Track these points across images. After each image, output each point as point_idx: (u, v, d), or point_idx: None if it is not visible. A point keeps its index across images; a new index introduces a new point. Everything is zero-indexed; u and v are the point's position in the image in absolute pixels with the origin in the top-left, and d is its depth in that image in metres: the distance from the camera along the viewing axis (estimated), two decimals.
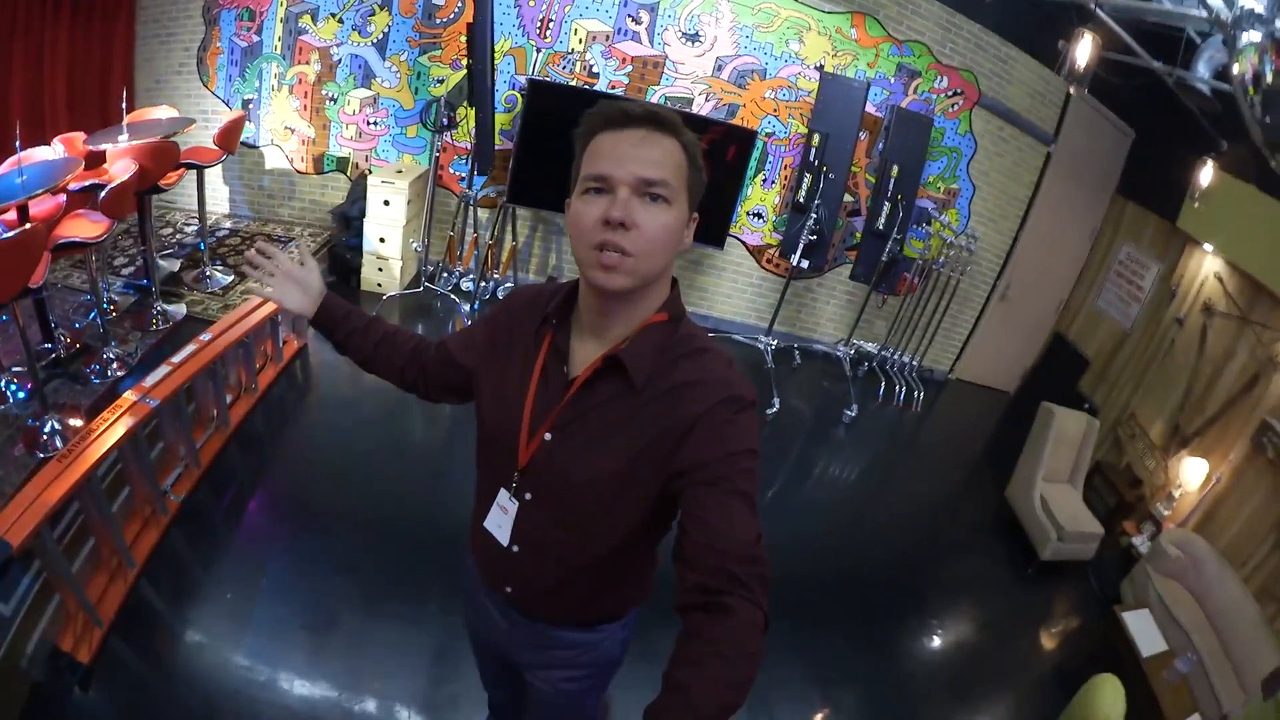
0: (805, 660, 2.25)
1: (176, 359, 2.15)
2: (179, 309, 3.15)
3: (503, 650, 1.10)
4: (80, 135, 2.90)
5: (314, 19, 3.57)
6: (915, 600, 2.66)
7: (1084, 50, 2.67)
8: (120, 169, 2.65)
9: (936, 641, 2.53)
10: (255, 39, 3.64)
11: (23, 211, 2.31)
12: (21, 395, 2.47)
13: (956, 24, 3.62)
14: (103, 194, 2.49)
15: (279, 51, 3.60)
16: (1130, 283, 3.85)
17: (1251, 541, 2.73)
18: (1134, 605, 2.55)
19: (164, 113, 3.25)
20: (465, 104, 3.41)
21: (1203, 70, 2.55)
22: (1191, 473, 2.99)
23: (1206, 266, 3.33)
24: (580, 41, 3.43)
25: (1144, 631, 2.37)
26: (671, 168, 0.78)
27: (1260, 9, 1.48)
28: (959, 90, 3.72)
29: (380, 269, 3.54)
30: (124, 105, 2.96)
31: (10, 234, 2.06)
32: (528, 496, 0.93)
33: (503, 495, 0.96)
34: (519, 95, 3.42)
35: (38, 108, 3.29)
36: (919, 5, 3.46)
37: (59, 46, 3.38)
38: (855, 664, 2.33)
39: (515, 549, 0.97)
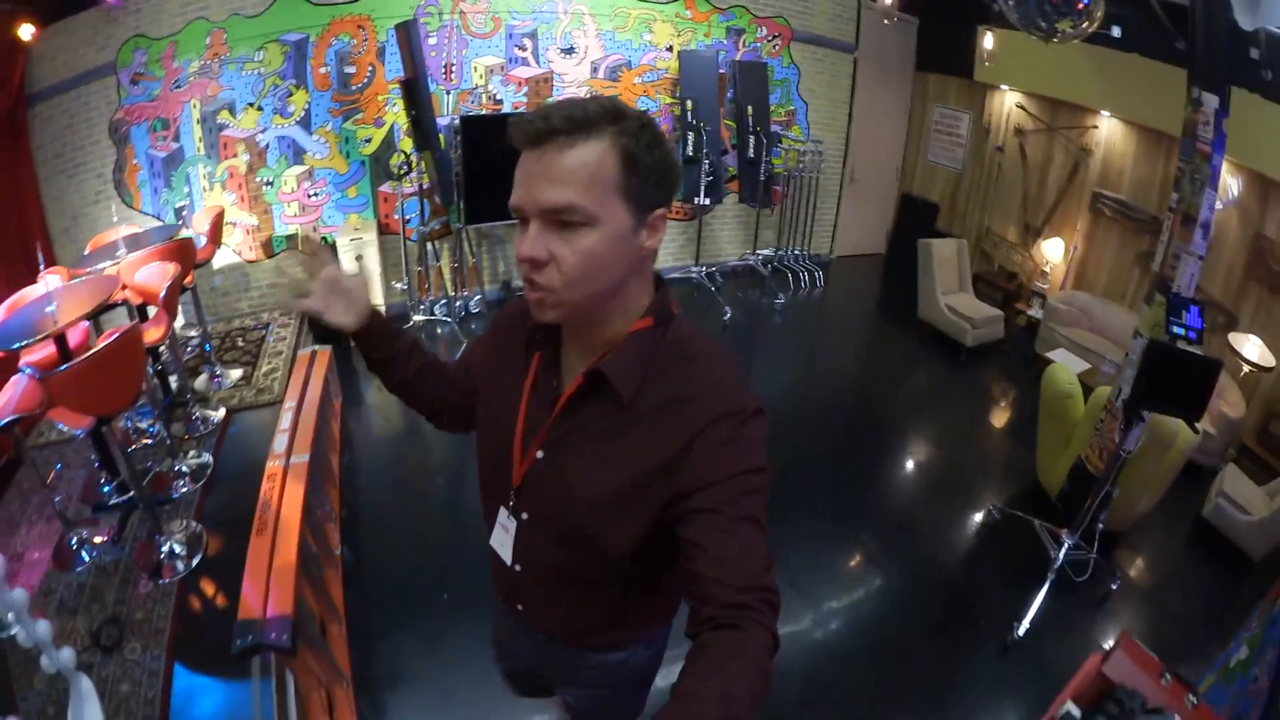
0: (807, 497, 3.23)
1: (284, 425, 2.47)
2: (215, 411, 3.79)
3: (529, 666, 1.21)
4: (59, 269, 3.47)
5: (232, 112, 4.46)
6: (884, 410, 4.27)
7: None
8: (155, 273, 3.22)
9: (915, 434, 4.03)
10: (174, 145, 4.49)
11: (61, 343, 2.72)
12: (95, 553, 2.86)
13: None
14: (164, 292, 3.08)
15: (202, 152, 4.38)
16: (949, 134, 5.82)
17: (1121, 279, 4.55)
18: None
19: (123, 230, 3.86)
20: (409, 151, 4.55)
21: None
22: (1052, 251, 4.87)
23: (1008, 102, 5.24)
24: (481, 77, 4.56)
25: (1068, 361, 3.31)
26: (582, 182, 0.76)
27: None
28: (776, 34, 5.49)
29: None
30: (42, 252, 3.72)
31: (112, 338, 2.48)
32: (524, 516, 0.99)
33: (502, 514, 1.02)
34: (453, 133, 4.57)
35: None
36: None
37: None
38: (852, 479, 3.54)
39: (518, 568, 1.03)
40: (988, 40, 5.02)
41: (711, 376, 0.89)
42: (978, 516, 3.15)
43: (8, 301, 3.05)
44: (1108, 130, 4.54)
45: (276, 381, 4.03)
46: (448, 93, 4.68)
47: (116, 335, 2.51)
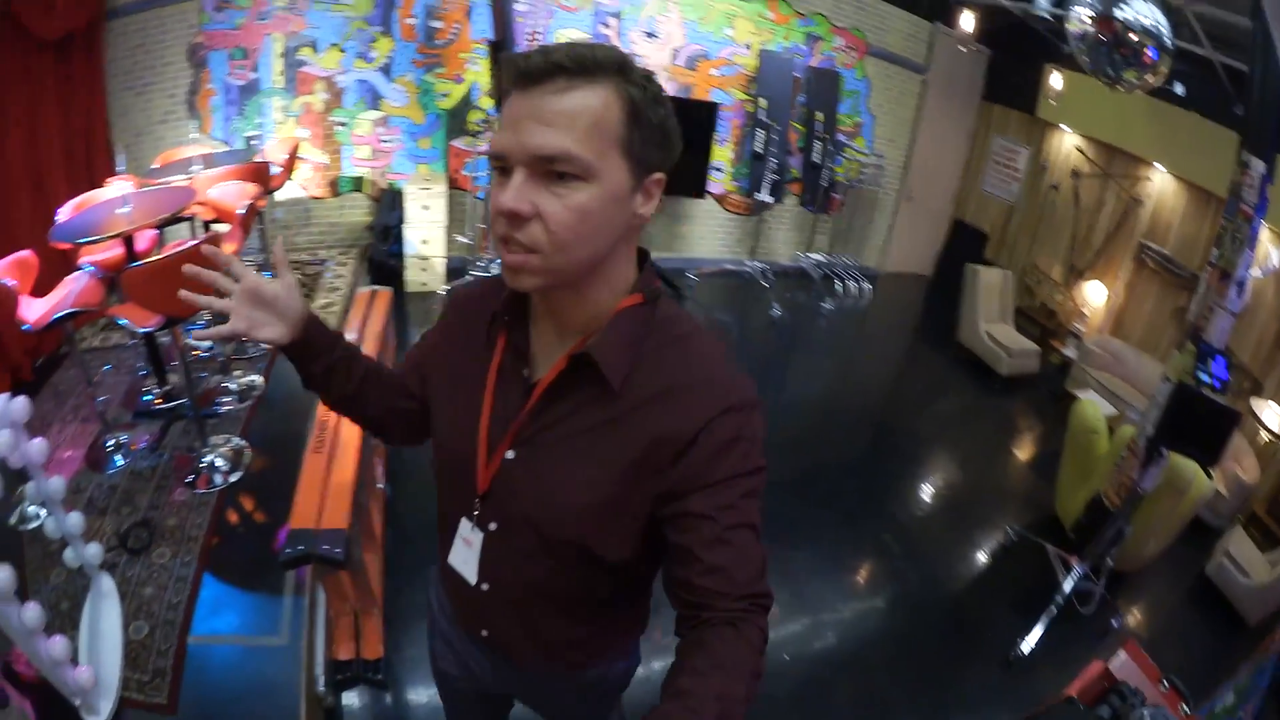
0: (827, 502, 3.43)
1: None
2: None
3: (487, 688, 1.14)
4: (129, 177, 3.64)
5: (315, 50, 4.67)
6: (912, 426, 4.51)
7: (967, 21, 5.07)
8: (233, 192, 3.36)
9: (940, 452, 4.31)
10: (252, 75, 4.67)
11: (129, 244, 2.87)
12: (129, 458, 3.02)
13: None
14: (243, 209, 3.25)
15: (280, 86, 4.53)
16: (1006, 166, 6.12)
17: (1156, 331, 4.81)
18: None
19: (192, 150, 4.10)
20: (488, 110, 4.90)
21: (1044, 2, 4.51)
22: (1093, 294, 5.18)
23: (1067, 143, 5.52)
24: None
25: (1096, 404, 3.58)
26: (582, 129, 0.70)
27: None
28: (851, 46, 5.78)
29: (424, 269, 4.88)
30: (119, 159, 4.02)
31: (198, 241, 2.61)
32: (492, 527, 0.91)
33: (465, 526, 0.94)
34: None
35: (36, 175, 4.10)
36: None
37: (48, 111, 4.19)
38: (873, 488, 3.78)
39: (485, 587, 0.95)
40: (1055, 79, 5.26)
41: (709, 363, 0.84)
42: (992, 537, 3.41)
43: (75, 201, 3.20)
44: (1160, 183, 4.83)
45: (333, 315, 4.25)
46: None
47: (203, 239, 2.66)
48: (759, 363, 4.84)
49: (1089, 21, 3.16)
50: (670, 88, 5.36)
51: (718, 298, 5.67)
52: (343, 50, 4.75)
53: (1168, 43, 3.01)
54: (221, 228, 3.25)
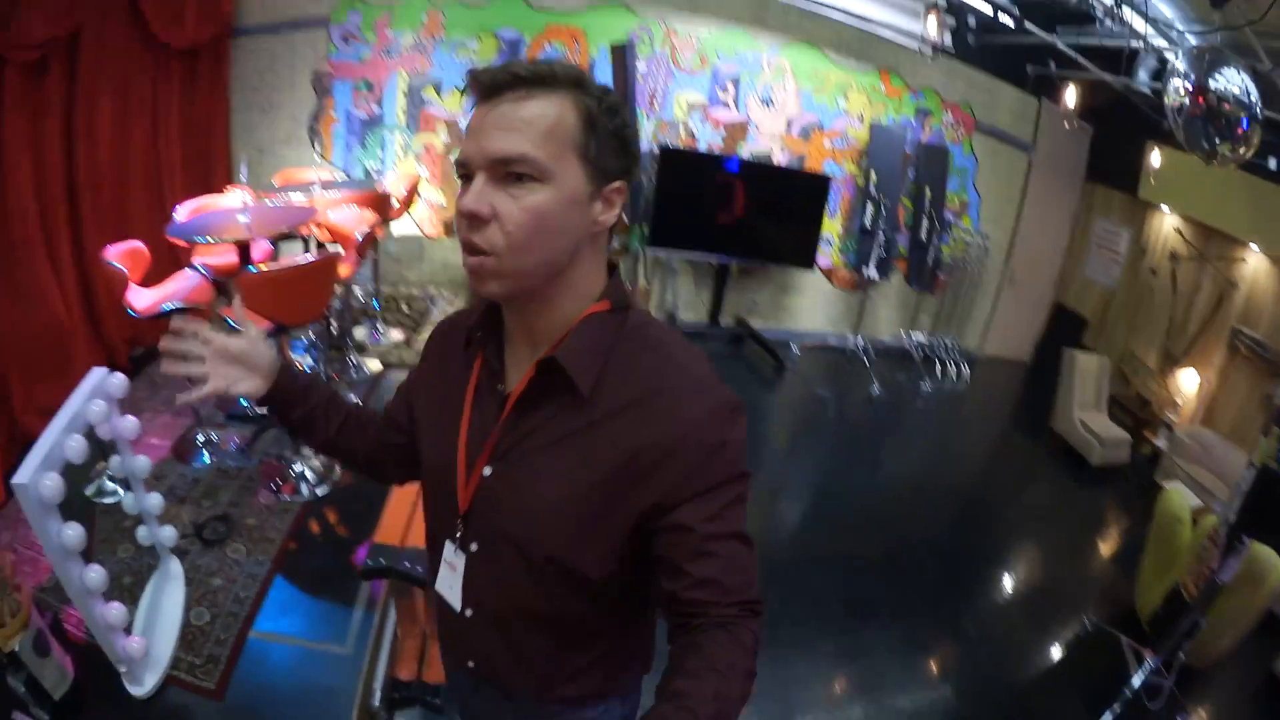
0: (906, 580, 3.48)
1: None
2: (372, 363, 4.23)
3: None
4: (246, 189, 3.87)
5: (438, 91, 5.07)
6: (996, 510, 4.57)
7: (1070, 96, 5.07)
8: (353, 217, 3.55)
9: (1022, 538, 4.36)
10: (375, 109, 5.08)
11: (244, 251, 3.05)
12: (215, 458, 3.22)
13: (953, 69, 5.78)
14: (361, 235, 3.44)
15: (403, 122, 4.67)
16: (1108, 250, 6.18)
17: (1246, 421, 4.76)
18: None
19: (313, 173, 4.42)
20: None
21: (1143, 75, 4.67)
22: (1187, 382, 5.18)
23: (1166, 224, 5.58)
24: (682, 111, 4.82)
25: (1183, 494, 3.61)
26: (538, 133, 0.75)
27: (1182, 66, 3.05)
28: (960, 122, 5.96)
29: None
30: (241, 169, 4.22)
31: (316, 258, 2.87)
32: (474, 548, 0.92)
33: (448, 549, 0.96)
34: (650, 160, 5.18)
35: (155, 174, 4.45)
36: (925, 58, 5.50)
37: (172, 114, 4.56)
38: (952, 568, 3.84)
39: (469, 613, 0.96)
40: (1155, 157, 5.22)
41: (686, 369, 0.85)
42: (1068, 627, 3.45)
43: (192, 203, 3.49)
44: (1254, 265, 4.84)
45: None
46: (648, 119, 4.94)
47: (320, 257, 2.89)
48: (854, 440, 4.91)
49: (1184, 94, 3.16)
50: (783, 157, 5.44)
51: (818, 371, 5.82)
52: (465, 94, 4.87)
53: (1258, 111, 3.07)
54: (336, 249, 3.39)
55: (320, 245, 3.65)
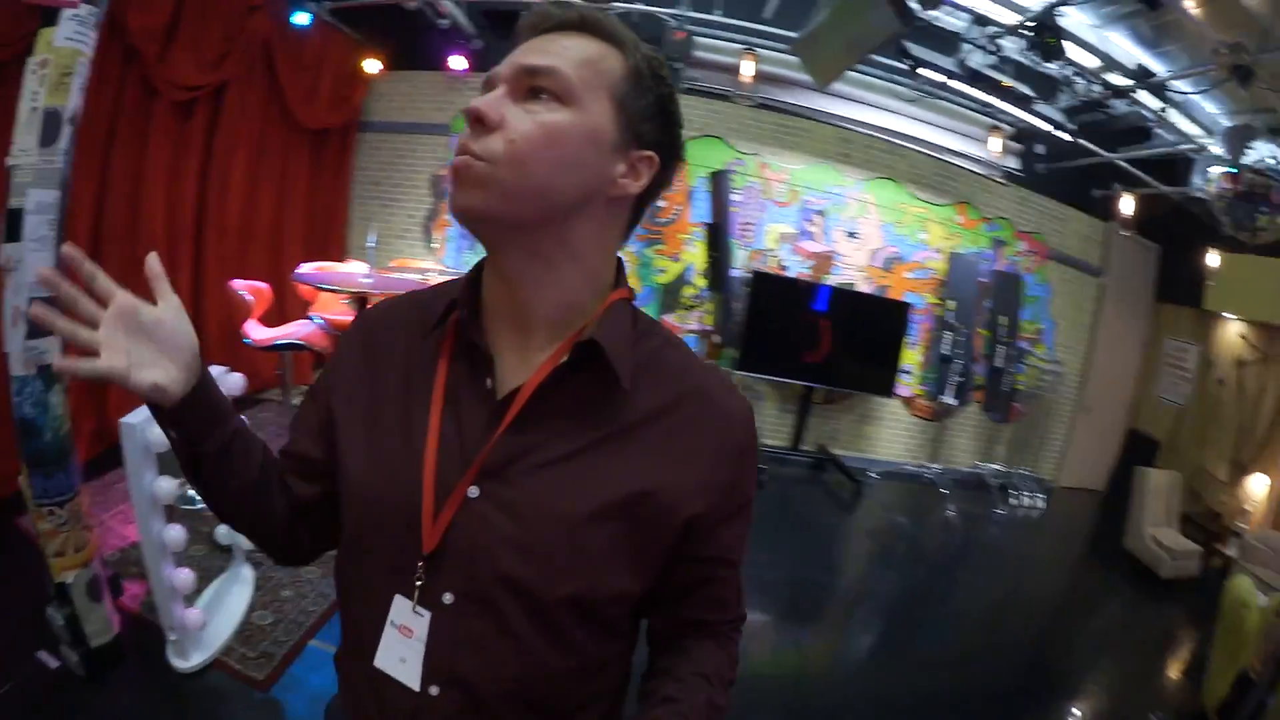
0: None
1: None
2: None
3: None
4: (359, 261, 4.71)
5: None
6: (1073, 631, 4.90)
7: (1127, 205, 5.92)
8: None
9: (1095, 657, 4.62)
10: None
11: (363, 306, 3.54)
12: None
13: (1024, 197, 6.68)
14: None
15: None
16: (1178, 368, 6.91)
17: None
18: None
19: (427, 264, 5.31)
20: (701, 289, 5.87)
21: (1199, 182, 5.10)
22: (1256, 487, 5.78)
23: (1232, 330, 6.27)
24: (773, 240, 5.37)
25: (1250, 582, 3.73)
26: (574, 59, 0.75)
27: (1218, 151, 3.43)
28: (1033, 250, 6.86)
29: None
30: (370, 236, 4.78)
31: None
32: (448, 599, 0.77)
33: (400, 608, 0.79)
34: (743, 285, 5.93)
35: (277, 233, 5.22)
36: (999, 189, 6.52)
37: (299, 183, 5.33)
38: (1030, 693, 3.87)
39: (434, 691, 0.79)
40: (1215, 261, 5.82)
41: (712, 368, 0.86)
42: None
43: (315, 264, 4.14)
44: None
45: None
46: (742, 248, 5.52)
47: None
48: (929, 569, 5.30)
49: (1223, 179, 3.47)
50: (867, 288, 5.99)
51: (894, 499, 6.44)
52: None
53: None
54: None
55: None
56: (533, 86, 0.73)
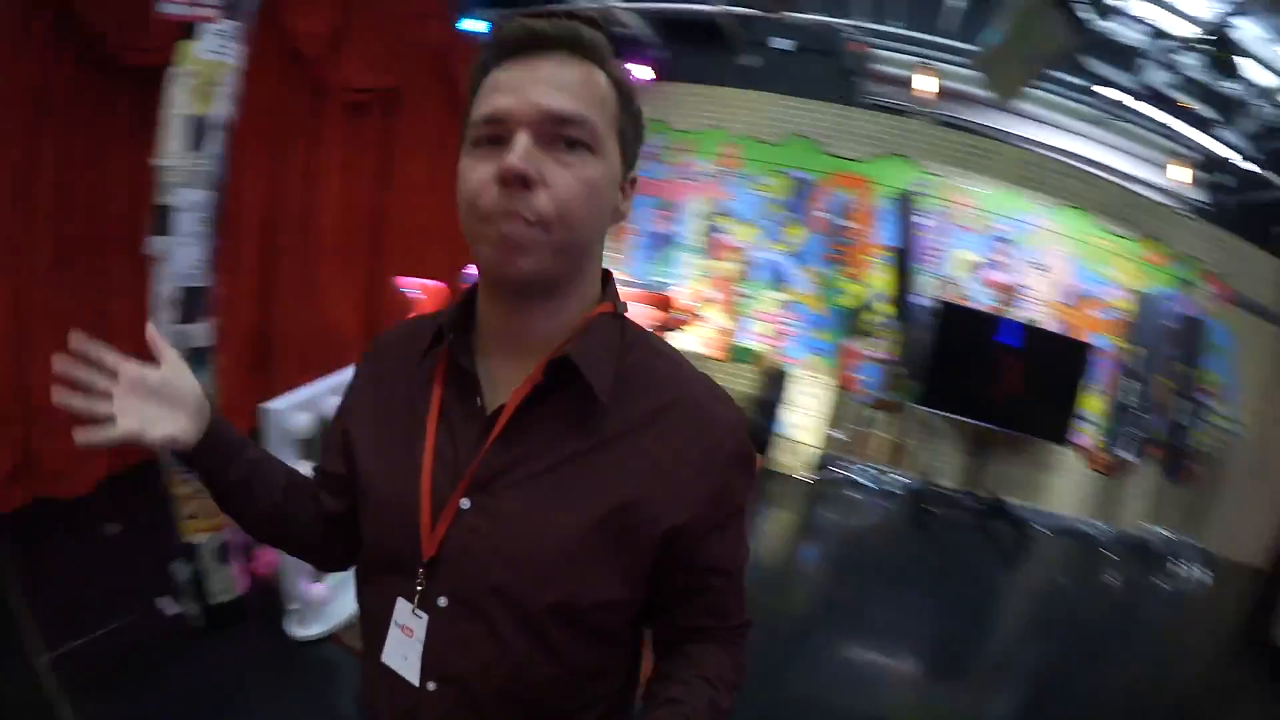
0: None
1: None
2: None
3: None
4: None
5: (732, 220, 5.83)
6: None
7: None
8: (642, 315, 4.24)
9: None
10: (670, 228, 5.88)
11: None
12: None
13: (1213, 235, 6.27)
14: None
15: (695, 245, 5.21)
16: None
17: None
18: None
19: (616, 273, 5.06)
20: (885, 317, 5.70)
21: None
22: None
23: None
24: (959, 268, 5.23)
25: None
26: (592, 99, 0.76)
27: None
28: (1220, 294, 6.53)
29: (792, 453, 5.29)
30: None
31: None
32: (442, 603, 0.85)
33: (402, 610, 0.87)
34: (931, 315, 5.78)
35: (456, 235, 5.00)
36: (1187, 224, 6.19)
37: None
38: None
39: (431, 687, 0.86)
40: None
41: (701, 377, 0.87)
42: None
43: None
44: None
45: None
46: (927, 274, 5.39)
47: None
48: (1076, 636, 5.18)
49: None
50: (1051, 325, 5.77)
51: (1057, 556, 6.20)
52: (757, 228, 5.49)
53: None
54: None
55: None
56: (562, 135, 0.73)
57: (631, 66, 5.58)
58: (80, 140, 3.68)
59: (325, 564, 1.07)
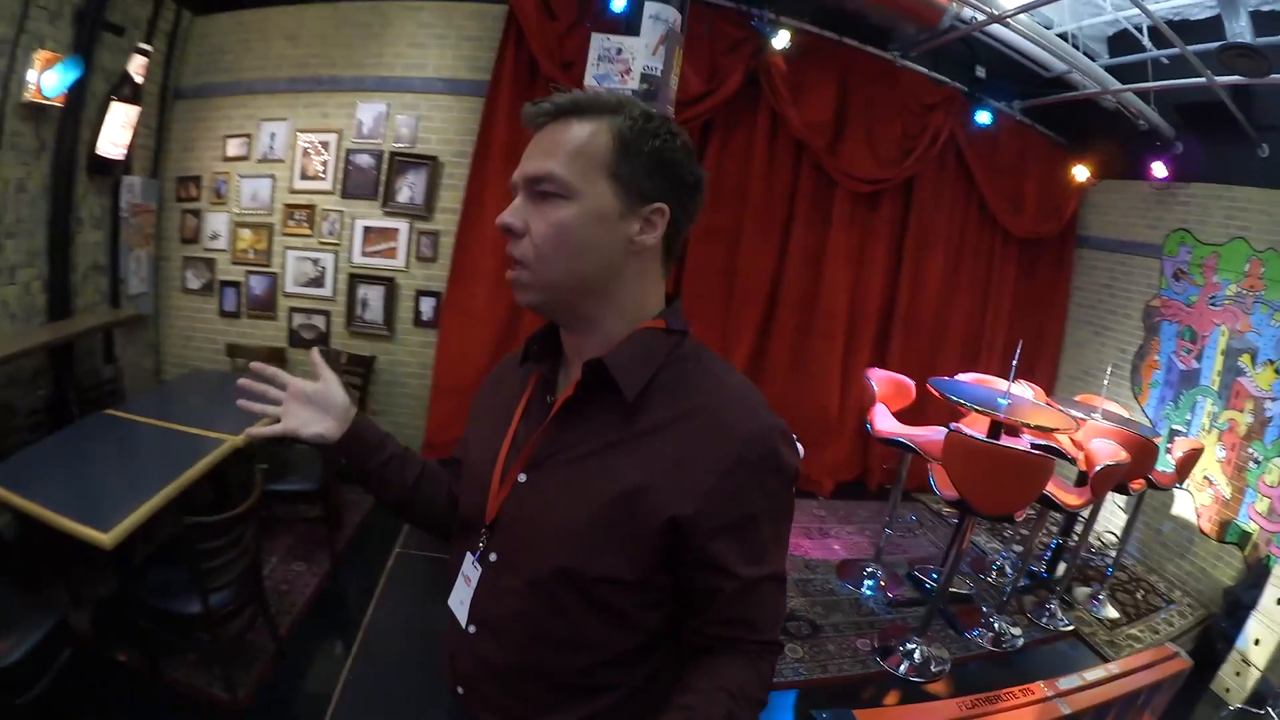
0: None
1: (1089, 675, 2.29)
2: (1063, 621, 4.02)
3: None
4: (1037, 390, 4.13)
5: (1252, 360, 4.35)
6: None
7: None
8: (1106, 450, 3.40)
9: None
10: (1194, 365, 4.64)
11: (994, 429, 3.33)
12: (870, 593, 3.75)
13: None
14: (1097, 469, 3.30)
15: (1215, 388, 4.56)
16: None
17: None
18: None
19: (1109, 405, 4.30)
20: None
21: None
22: None
23: None
24: None
25: None
26: (566, 154, 0.89)
27: None
28: None
29: (1239, 673, 3.78)
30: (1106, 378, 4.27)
31: (1029, 447, 3.04)
32: (492, 558, 1.02)
33: (467, 561, 1.05)
34: None
35: (975, 343, 5.05)
36: None
37: (1004, 294, 5.00)
38: None
39: (472, 630, 1.04)
40: None
41: (737, 389, 0.95)
42: None
43: (976, 375, 4.12)
44: None
45: (1141, 643, 4.00)
46: None
47: (1036, 447, 3.26)
48: None
49: None
50: None
51: None
52: (1278, 372, 3.81)
53: None
54: (1053, 458, 3.33)
55: (1058, 454, 3.70)
56: (538, 191, 0.93)
57: (1154, 165, 4.69)
58: (810, 238, 4.71)
59: (444, 535, 1.24)
